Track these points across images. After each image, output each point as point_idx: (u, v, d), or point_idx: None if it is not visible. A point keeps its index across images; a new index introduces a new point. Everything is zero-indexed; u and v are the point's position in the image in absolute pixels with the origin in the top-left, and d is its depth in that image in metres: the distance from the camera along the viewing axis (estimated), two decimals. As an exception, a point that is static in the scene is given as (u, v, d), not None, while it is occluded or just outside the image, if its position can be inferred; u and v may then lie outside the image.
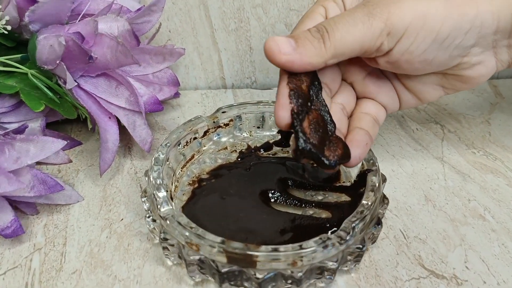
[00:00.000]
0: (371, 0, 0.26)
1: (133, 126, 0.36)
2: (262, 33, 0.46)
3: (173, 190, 0.33)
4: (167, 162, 0.33)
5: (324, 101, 0.29)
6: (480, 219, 0.33)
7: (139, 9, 0.35)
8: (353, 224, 0.26)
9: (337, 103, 0.31)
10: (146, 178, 0.31)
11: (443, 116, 0.44)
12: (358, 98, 0.33)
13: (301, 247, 0.25)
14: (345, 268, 0.28)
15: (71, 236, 0.32)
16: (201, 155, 0.36)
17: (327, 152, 0.27)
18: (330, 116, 0.29)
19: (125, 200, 0.35)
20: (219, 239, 0.25)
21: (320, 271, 0.26)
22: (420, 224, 0.33)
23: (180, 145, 0.35)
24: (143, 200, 0.30)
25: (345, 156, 0.28)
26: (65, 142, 0.31)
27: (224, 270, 0.25)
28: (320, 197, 0.33)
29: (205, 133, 0.36)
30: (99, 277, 0.29)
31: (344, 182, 0.34)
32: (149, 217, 0.29)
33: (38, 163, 0.36)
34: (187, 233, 0.26)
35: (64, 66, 0.32)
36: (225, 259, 0.25)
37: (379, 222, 0.29)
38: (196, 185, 0.34)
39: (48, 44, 0.31)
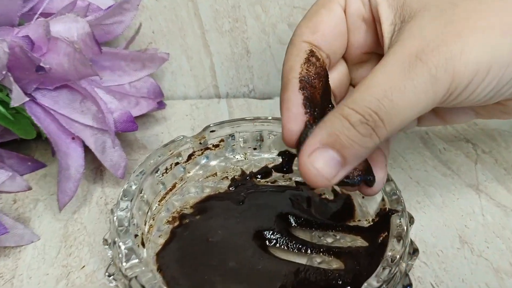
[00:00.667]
0: (424, 49, 0.19)
1: (102, 149, 0.30)
2: (261, 34, 0.40)
3: (146, 231, 0.27)
4: (141, 194, 0.27)
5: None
6: (532, 269, 0.26)
7: (109, 8, 0.29)
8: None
9: None
10: (111, 218, 0.24)
11: (475, 133, 0.38)
12: None
13: None
14: None
15: (18, 289, 0.26)
16: (184, 184, 0.30)
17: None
18: None
19: (90, 240, 0.28)
20: None
21: None
22: (456, 275, 0.26)
23: (158, 172, 0.29)
24: (105, 247, 0.24)
25: (368, 172, 0.23)
26: (8, 174, 0.24)
27: None
28: (329, 240, 0.27)
29: (190, 156, 0.30)
30: None
31: (359, 220, 0.28)
32: (110, 275, 0.23)
33: (-11, 191, 0.30)
34: None
35: (11, 78, 0.25)
36: None
37: (408, 284, 0.22)
38: (177, 222, 0.27)
39: (-9, 50, 0.25)
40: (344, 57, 0.25)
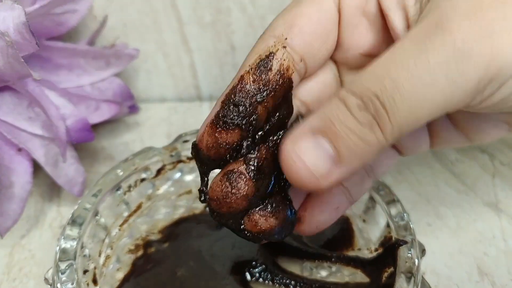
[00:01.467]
0: (450, 15, 0.14)
1: (55, 162, 0.25)
2: (248, 28, 0.35)
3: (101, 263, 0.22)
4: (96, 217, 0.22)
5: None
6: None
7: (60, -7, 0.24)
8: None
9: None
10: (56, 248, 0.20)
11: (490, 142, 0.33)
12: None
13: None
14: None
15: None
16: (152, 203, 0.26)
17: (247, 219, 0.17)
18: None
19: (39, 271, 0.24)
20: None
21: None
22: (476, 317, 0.22)
23: (121, 190, 0.24)
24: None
25: (275, 231, 0.17)
26: None
27: None
28: (324, 273, 0.23)
29: (160, 171, 0.26)
30: None
31: (360, 249, 0.23)
32: None
33: None
34: None
35: None
36: None
37: None
38: (140, 252, 0.23)
39: None
40: (335, 60, 0.20)
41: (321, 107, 0.16)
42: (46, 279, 0.20)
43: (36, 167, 0.26)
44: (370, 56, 0.20)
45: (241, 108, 0.16)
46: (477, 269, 0.24)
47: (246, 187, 0.16)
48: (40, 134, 0.25)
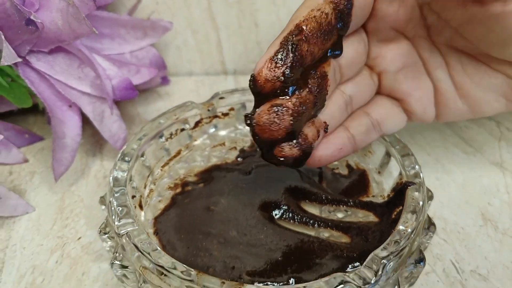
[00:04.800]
0: None
1: (101, 118, 0.28)
2: (271, 6, 0.38)
3: (146, 195, 0.25)
4: (142, 158, 0.25)
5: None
6: None
7: (108, -34, 0.27)
8: (384, 260, 0.18)
9: (343, 92, 0.23)
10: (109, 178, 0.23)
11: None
12: (379, 94, 0.24)
13: None
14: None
15: (10, 260, 0.24)
16: (190, 152, 0.28)
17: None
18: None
19: (87, 213, 0.27)
20: (184, 270, 0.18)
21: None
22: (479, 254, 0.24)
23: (163, 138, 0.27)
24: (102, 208, 0.23)
25: (293, 159, 0.21)
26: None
27: None
28: (340, 215, 0.25)
29: (197, 123, 0.28)
30: (38, 321, 0.21)
31: (374, 196, 0.26)
32: (104, 233, 0.21)
33: (-16, 162, 0.29)
34: (145, 261, 0.19)
35: (2, 36, 0.24)
36: None
37: (421, 259, 0.20)
38: (179, 189, 0.26)
39: (-19, 7, 0.24)
40: (366, 29, 0.23)
41: None
42: (102, 198, 0.23)
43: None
44: (396, 32, 0.22)
45: (296, 49, 0.19)
46: (481, 216, 0.26)
47: (288, 121, 0.19)
48: (89, 92, 0.28)
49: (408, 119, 0.25)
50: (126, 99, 0.28)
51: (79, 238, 0.25)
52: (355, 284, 0.18)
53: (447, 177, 0.29)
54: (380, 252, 0.19)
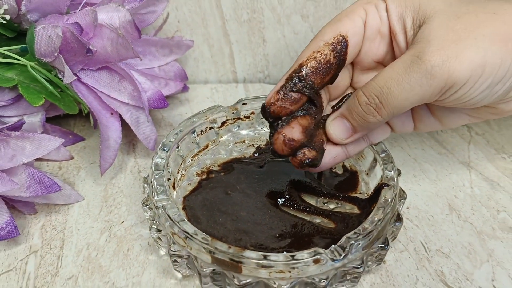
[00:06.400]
0: (425, 50, 0.23)
1: (137, 123, 0.34)
2: (277, 25, 0.43)
3: (178, 178, 0.31)
4: (177, 149, 0.31)
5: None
6: (510, 232, 0.30)
7: (143, -1, 0.33)
8: (352, 241, 0.24)
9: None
10: (150, 163, 0.29)
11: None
12: None
13: (293, 258, 0.23)
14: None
15: (69, 238, 0.30)
16: (216, 146, 0.34)
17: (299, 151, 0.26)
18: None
19: (127, 201, 0.33)
20: (203, 236, 0.24)
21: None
22: (443, 236, 0.30)
23: (195, 133, 0.33)
24: (145, 186, 0.29)
25: (317, 159, 0.27)
26: (62, 140, 0.29)
27: (204, 270, 0.25)
28: (332, 206, 0.31)
29: (223, 123, 0.34)
30: (96, 284, 0.27)
31: (360, 193, 0.31)
32: (146, 204, 0.28)
33: (38, 159, 0.35)
34: (174, 227, 0.25)
35: (62, 59, 0.30)
36: (209, 259, 0.24)
37: (386, 242, 0.26)
38: (204, 176, 0.32)
39: (46, 35, 0.29)
40: (353, 62, 0.28)
41: (347, 101, 0.27)
42: (145, 179, 0.29)
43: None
44: (379, 63, 0.29)
45: (298, 84, 0.25)
46: (448, 207, 0.32)
47: (302, 137, 0.25)
48: (127, 102, 0.33)
49: (392, 131, 0.31)
50: (158, 108, 0.34)
51: (122, 222, 0.31)
52: (329, 257, 0.23)
53: (423, 174, 0.35)
54: (351, 235, 0.24)
